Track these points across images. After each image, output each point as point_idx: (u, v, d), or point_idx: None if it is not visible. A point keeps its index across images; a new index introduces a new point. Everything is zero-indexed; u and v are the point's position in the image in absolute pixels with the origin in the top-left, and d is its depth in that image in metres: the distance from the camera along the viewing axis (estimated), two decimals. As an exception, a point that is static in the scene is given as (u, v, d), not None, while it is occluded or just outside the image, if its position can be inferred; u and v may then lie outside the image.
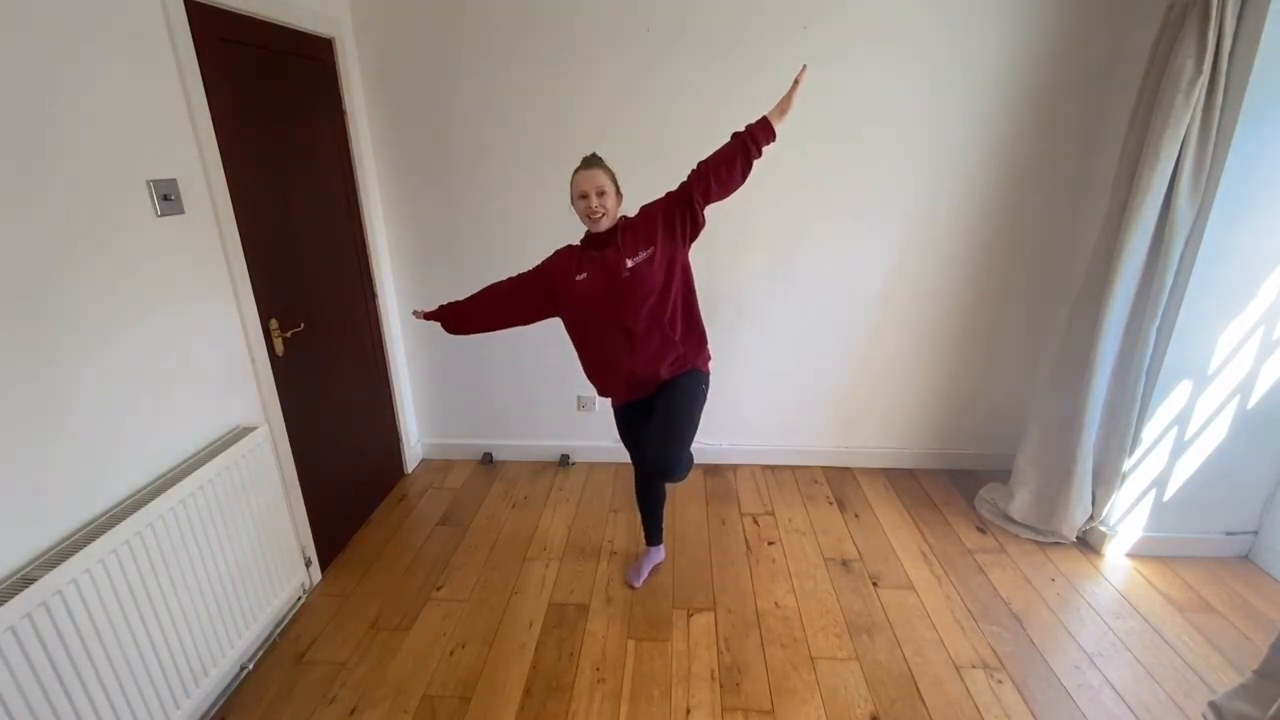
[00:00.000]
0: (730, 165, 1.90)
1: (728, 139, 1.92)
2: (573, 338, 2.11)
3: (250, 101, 1.98)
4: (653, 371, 2.00)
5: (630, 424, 2.18)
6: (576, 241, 2.04)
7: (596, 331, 2.02)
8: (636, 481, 2.31)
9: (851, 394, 3.01)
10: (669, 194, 1.95)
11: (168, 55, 1.66)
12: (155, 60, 1.63)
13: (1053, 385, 2.50)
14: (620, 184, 1.95)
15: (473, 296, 2.15)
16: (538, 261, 2.94)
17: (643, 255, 1.90)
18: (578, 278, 1.96)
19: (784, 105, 1.89)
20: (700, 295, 2.80)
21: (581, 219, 1.94)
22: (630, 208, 2.02)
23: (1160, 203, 2.10)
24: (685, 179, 1.93)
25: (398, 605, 2.23)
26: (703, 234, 2.75)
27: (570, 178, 1.92)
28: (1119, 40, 2.37)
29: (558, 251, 2.07)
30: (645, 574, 2.36)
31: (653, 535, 2.40)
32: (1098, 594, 2.28)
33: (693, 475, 3.06)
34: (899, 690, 1.88)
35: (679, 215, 1.93)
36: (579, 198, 1.89)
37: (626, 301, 1.91)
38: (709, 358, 2.12)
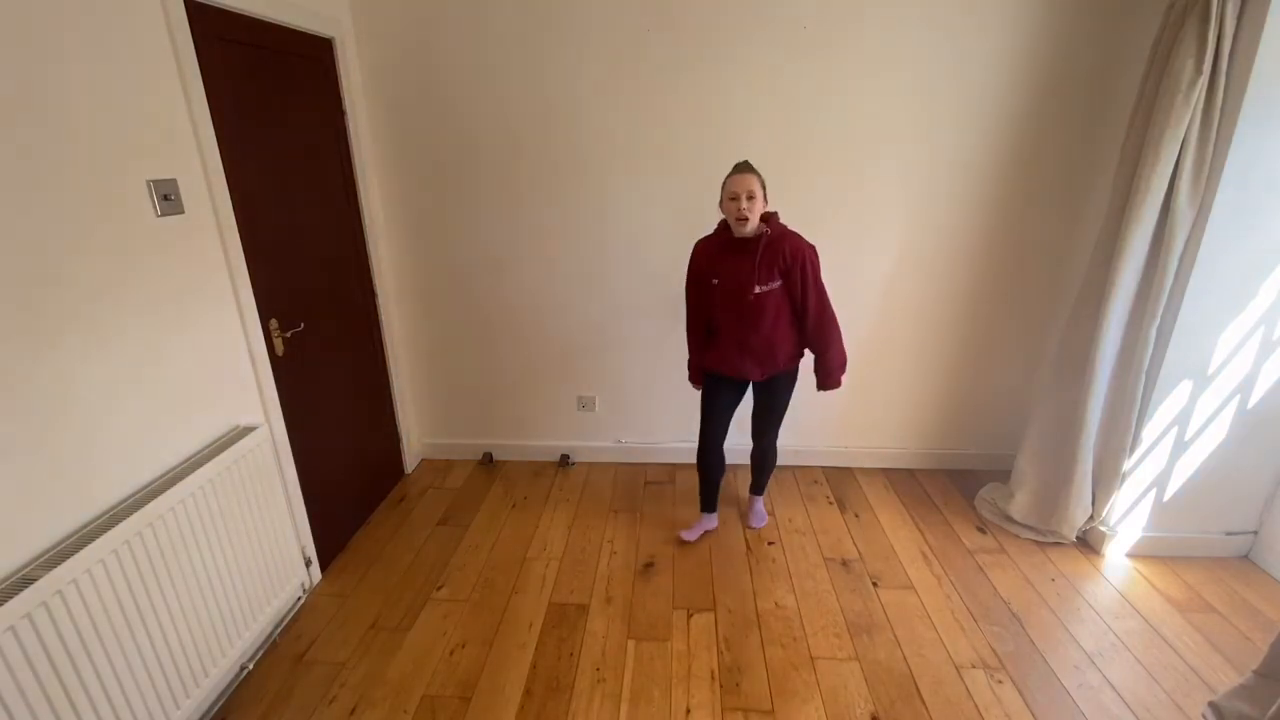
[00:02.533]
0: (822, 348, 2.23)
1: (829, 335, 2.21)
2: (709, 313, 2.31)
3: (250, 101, 1.98)
4: (767, 364, 2.26)
5: (724, 397, 2.40)
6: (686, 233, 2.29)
7: (725, 318, 2.22)
8: (705, 454, 2.50)
9: (852, 394, 3.00)
10: (810, 282, 2.11)
11: (168, 55, 1.66)
12: (155, 60, 1.63)
13: (1053, 385, 2.50)
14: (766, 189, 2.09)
15: (692, 339, 2.39)
16: (535, 262, 2.97)
17: (772, 285, 2.10)
18: (713, 282, 2.18)
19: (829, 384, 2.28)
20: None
21: (730, 220, 2.10)
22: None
23: (1160, 203, 2.10)
24: (814, 310, 2.15)
25: (398, 605, 2.23)
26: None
27: (725, 180, 2.08)
28: (1119, 40, 2.37)
29: (693, 251, 2.27)
30: (698, 533, 2.60)
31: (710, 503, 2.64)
32: (1098, 594, 2.28)
33: (693, 475, 3.05)
34: (899, 690, 1.88)
35: (795, 296, 2.14)
36: (729, 199, 2.05)
37: (749, 315, 2.16)
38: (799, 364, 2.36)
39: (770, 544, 2.57)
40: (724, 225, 2.16)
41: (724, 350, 2.26)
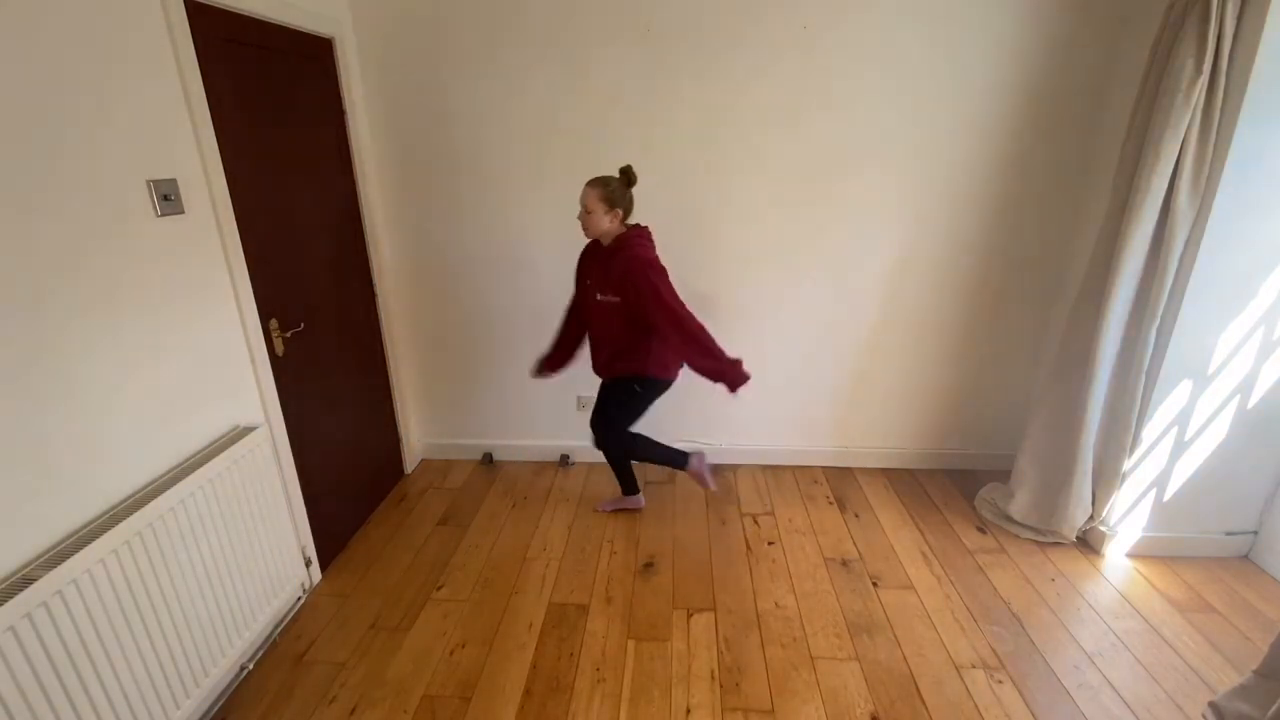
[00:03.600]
0: (696, 359, 2.25)
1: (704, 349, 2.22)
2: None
3: (250, 101, 1.98)
4: (601, 365, 2.45)
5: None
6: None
7: (584, 316, 2.43)
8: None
9: (851, 394, 3.01)
10: (651, 307, 2.16)
11: (168, 55, 1.65)
12: (155, 60, 1.62)
13: (1053, 385, 2.50)
14: (621, 201, 2.16)
15: (559, 333, 2.58)
16: (535, 262, 3.01)
17: (611, 298, 2.22)
18: (586, 282, 2.34)
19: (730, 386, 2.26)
20: (701, 296, 2.81)
21: None
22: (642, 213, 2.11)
23: (1160, 203, 2.10)
24: (665, 330, 2.20)
25: (398, 605, 2.23)
26: (702, 233, 2.77)
27: None
28: (1119, 40, 2.37)
29: (583, 251, 2.41)
30: (612, 507, 2.78)
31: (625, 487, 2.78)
32: (1098, 594, 2.28)
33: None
34: (899, 690, 1.88)
35: (633, 308, 2.19)
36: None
37: (591, 319, 2.36)
38: (656, 364, 2.39)
39: (770, 544, 2.57)
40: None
41: (591, 348, 2.46)
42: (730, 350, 2.92)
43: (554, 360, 2.60)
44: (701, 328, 2.20)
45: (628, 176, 2.18)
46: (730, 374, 2.22)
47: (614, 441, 2.55)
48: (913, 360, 2.93)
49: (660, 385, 2.45)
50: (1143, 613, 2.19)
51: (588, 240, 2.32)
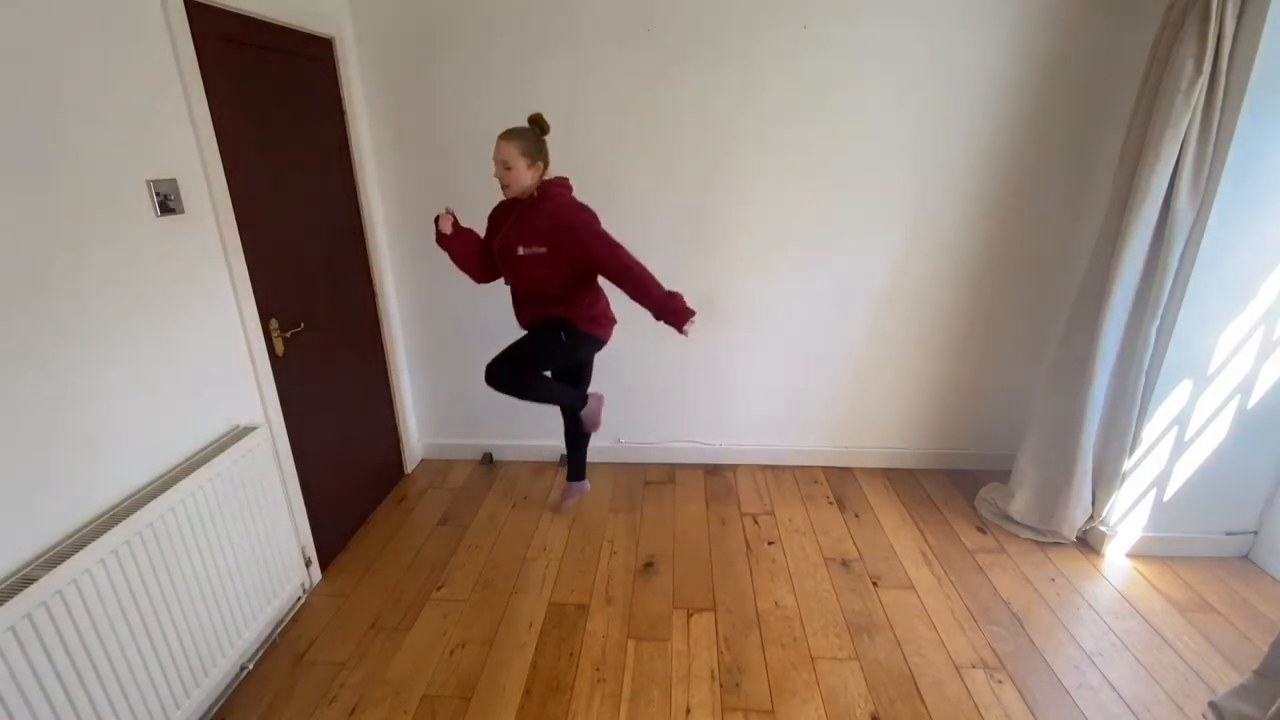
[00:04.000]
0: (633, 290, 2.09)
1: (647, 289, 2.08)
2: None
3: (250, 101, 1.98)
4: (532, 310, 2.29)
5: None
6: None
7: (504, 276, 2.29)
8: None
9: (852, 394, 3.01)
10: (587, 241, 2.07)
11: (168, 55, 1.66)
12: (155, 60, 1.62)
13: (1053, 385, 2.50)
14: (540, 153, 2.07)
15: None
16: None
17: (536, 249, 2.09)
18: (492, 244, 2.22)
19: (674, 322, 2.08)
20: (700, 296, 2.79)
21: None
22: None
23: (1160, 203, 2.10)
24: (604, 260, 2.08)
25: (398, 605, 2.23)
26: (702, 234, 2.77)
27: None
28: (1119, 40, 2.36)
29: (491, 212, 2.31)
30: (571, 500, 2.77)
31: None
32: (1098, 594, 2.28)
33: (693, 475, 3.07)
34: (899, 690, 1.88)
35: (576, 257, 2.09)
36: (494, 164, 2.08)
37: (515, 273, 2.19)
38: (586, 318, 2.27)
39: (770, 544, 2.57)
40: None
41: (515, 307, 2.34)
42: (731, 350, 2.95)
43: (464, 243, 2.27)
44: (641, 263, 2.09)
45: (540, 125, 2.09)
46: (674, 305, 2.06)
47: (508, 376, 2.28)
48: (913, 360, 2.93)
49: (588, 341, 2.30)
50: (1143, 612, 2.19)
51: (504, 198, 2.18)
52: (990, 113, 2.50)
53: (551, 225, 2.07)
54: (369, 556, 2.50)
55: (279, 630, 2.10)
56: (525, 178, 2.05)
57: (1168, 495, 2.40)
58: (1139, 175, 2.11)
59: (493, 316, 2.93)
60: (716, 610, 2.20)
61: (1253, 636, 2.08)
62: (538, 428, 3.16)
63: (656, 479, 3.04)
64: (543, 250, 2.09)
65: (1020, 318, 2.82)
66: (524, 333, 2.35)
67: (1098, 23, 2.36)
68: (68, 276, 1.40)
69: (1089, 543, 2.55)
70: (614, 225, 2.73)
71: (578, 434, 2.65)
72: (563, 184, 2.16)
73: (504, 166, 2.04)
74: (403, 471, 3.10)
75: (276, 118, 2.12)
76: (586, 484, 2.77)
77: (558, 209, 2.09)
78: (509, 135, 2.03)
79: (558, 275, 2.14)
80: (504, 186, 2.09)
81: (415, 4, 2.47)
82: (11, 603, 1.21)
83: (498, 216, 2.27)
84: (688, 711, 1.81)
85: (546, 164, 2.11)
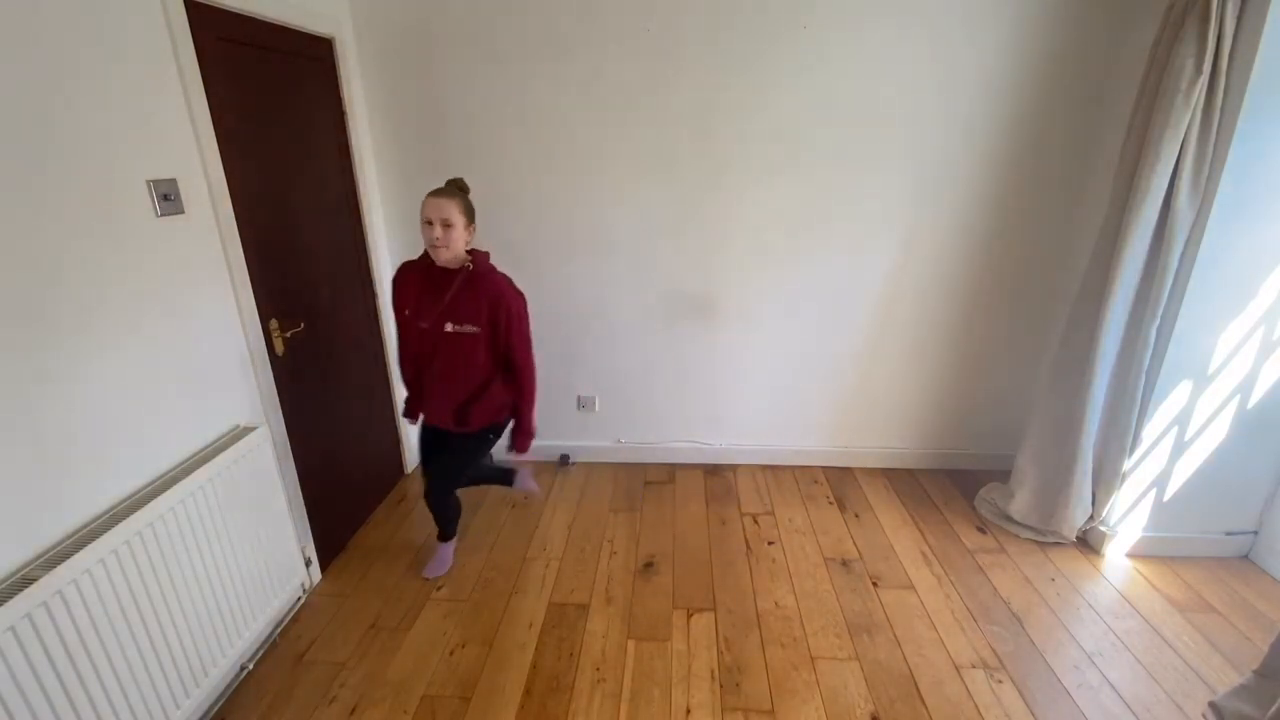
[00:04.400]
0: (518, 394, 2.13)
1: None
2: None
3: (250, 101, 1.98)
4: (449, 414, 2.11)
5: (433, 445, 2.27)
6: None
7: (421, 355, 2.08)
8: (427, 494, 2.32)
9: (851, 394, 3.01)
10: (518, 331, 2.01)
11: (168, 55, 1.65)
12: (155, 60, 1.62)
13: (1053, 385, 2.50)
14: (473, 216, 1.96)
15: (405, 370, 2.21)
16: (534, 262, 2.88)
17: (469, 329, 1.96)
18: (405, 312, 2.03)
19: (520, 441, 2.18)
20: (700, 295, 2.78)
21: (428, 248, 1.94)
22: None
23: (1160, 203, 2.10)
24: (522, 356, 2.06)
25: (398, 605, 2.23)
26: (702, 234, 2.77)
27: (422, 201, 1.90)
28: (1119, 41, 2.37)
29: (395, 274, 2.10)
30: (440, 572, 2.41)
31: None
32: (1098, 594, 2.28)
33: (693, 475, 3.07)
34: (899, 690, 1.88)
35: (502, 343, 2.02)
36: (424, 224, 1.88)
37: (440, 355, 2.02)
38: (507, 406, 2.19)
39: (770, 544, 2.57)
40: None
41: (425, 393, 2.13)
42: (730, 350, 2.95)
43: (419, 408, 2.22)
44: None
45: (465, 189, 1.97)
46: (531, 429, 2.19)
47: (449, 491, 2.27)
48: (913, 360, 2.93)
49: (502, 430, 2.21)
50: (1143, 612, 2.19)
51: (425, 262, 1.99)
52: (990, 113, 2.50)
53: (492, 305, 1.95)
54: (369, 556, 2.50)
55: (279, 630, 2.10)
56: (461, 241, 1.90)
57: (1168, 495, 2.40)
58: (1139, 175, 2.11)
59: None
60: (716, 610, 2.20)
61: (1253, 636, 2.08)
62: (538, 428, 3.15)
63: (656, 479, 3.04)
64: (477, 331, 1.96)
65: (1020, 318, 2.82)
66: (424, 429, 2.23)
67: (1098, 23, 2.36)
68: (68, 277, 1.40)
69: (1089, 543, 2.55)
70: (614, 225, 2.75)
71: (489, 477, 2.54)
72: (487, 256, 2.03)
73: (443, 225, 1.85)
74: (403, 471, 3.09)
75: (276, 118, 2.12)
76: (454, 543, 2.46)
77: (500, 289, 1.96)
78: (448, 193, 1.89)
79: (485, 359, 2.01)
80: (436, 249, 1.88)
81: (415, 4, 2.47)
82: (11, 603, 1.21)
83: (410, 283, 2.03)
84: (688, 711, 1.81)
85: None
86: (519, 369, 2.08)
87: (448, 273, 1.96)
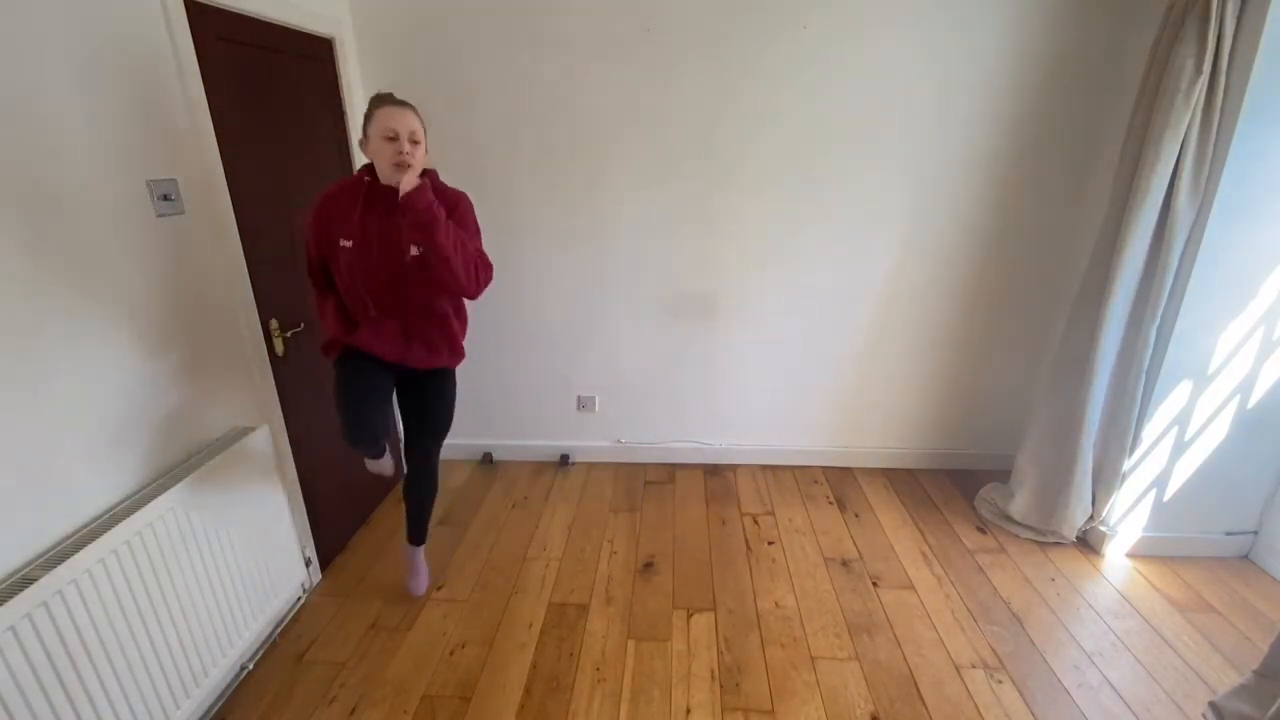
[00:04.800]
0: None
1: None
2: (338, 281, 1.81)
3: (250, 101, 1.98)
4: (418, 349, 1.85)
5: (375, 378, 1.88)
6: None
7: (373, 291, 1.75)
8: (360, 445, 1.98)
9: (851, 394, 3.01)
10: (466, 226, 1.76)
11: (168, 55, 1.65)
12: (155, 60, 1.62)
13: (1053, 385, 2.50)
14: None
15: (325, 309, 1.88)
16: (534, 261, 2.77)
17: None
18: (344, 244, 1.69)
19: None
20: (700, 295, 2.77)
21: (383, 167, 1.65)
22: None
23: (1160, 203, 2.10)
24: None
25: (398, 605, 2.23)
26: (701, 234, 2.77)
27: (370, 112, 1.64)
28: (1119, 41, 2.37)
29: (318, 204, 1.74)
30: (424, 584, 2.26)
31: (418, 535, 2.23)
32: (1098, 594, 2.28)
33: (693, 475, 3.07)
34: (899, 690, 1.88)
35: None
36: (383, 138, 1.61)
37: (405, 285, 1.73)
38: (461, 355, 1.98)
39: (770, 544, 2.57)
40: (365, 172, 1.72)
41: (379, 330, 1.80)
42: (730, 350, 2.95)
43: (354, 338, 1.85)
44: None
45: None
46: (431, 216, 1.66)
47: (436, 455, 2.01)
48: (913, 360, 2.93)
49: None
50: (1143, 612, 2.19)
51: (364, 186, 1.70)
52: (990, 113, 2.50)
53: (452, 209, 1.70)
54: (369, 556, 2.50)
55: (279, 630, 2.10)
56: (422, 160, 1.66)
57: (1168, 495, 2.40)
58: (1139, 175, 2.11)
59: (493, 316, 2.94)
60: (716, 610, 2.20)
61: (1253, 636, 2.08)
62: (538, 428, 3.16)
63: (656, 479, 3.04)
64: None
65: (1020, 318, 2.82)
66: (359, 368, 1.84)
67: (1098, 23, 2.36)
68: (67, 277, 1.40)
69: (1089, 543, 2.55)
70: (614, 225, 2.75)
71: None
72: (438, 176, 1.80)
73: (411, 141, 1.62)
74: (403, 471, 3.09)
75: (276, 118, 2.11)
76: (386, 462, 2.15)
77: (456, 196, 1.73)
78: (408, 105, 1.65)
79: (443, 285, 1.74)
80: (399, 168, 1.60)
81: (415, 4, 2.47)
82: (11, 603, 1.21)
83: (347, 210, 1.70)
84: (688, 711, 1.81)
85: None
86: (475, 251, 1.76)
87: (395, 194, 1.63)
